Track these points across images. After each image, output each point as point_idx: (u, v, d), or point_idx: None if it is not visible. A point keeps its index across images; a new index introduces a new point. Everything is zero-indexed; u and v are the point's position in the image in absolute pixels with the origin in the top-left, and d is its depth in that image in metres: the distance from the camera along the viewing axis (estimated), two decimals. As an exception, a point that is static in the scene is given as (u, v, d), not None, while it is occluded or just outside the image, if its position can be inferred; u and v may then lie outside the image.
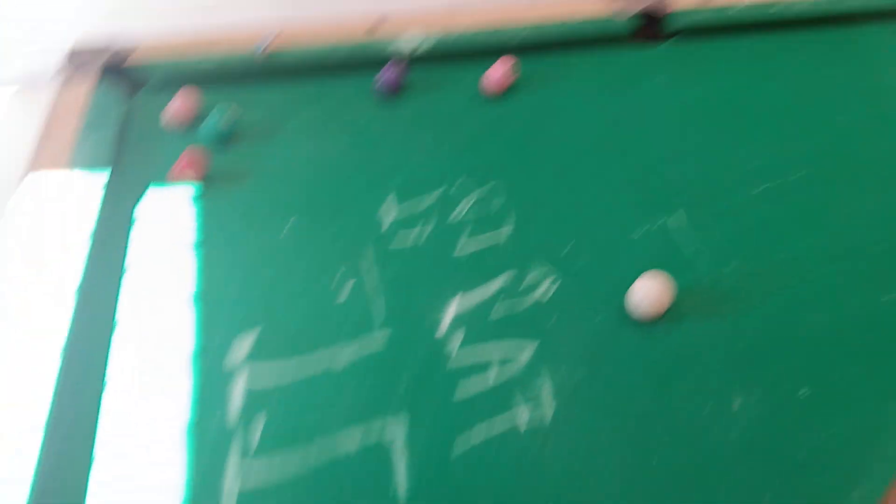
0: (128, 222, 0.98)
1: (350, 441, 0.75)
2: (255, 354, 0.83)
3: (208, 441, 0.75)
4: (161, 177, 1.03)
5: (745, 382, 0.80)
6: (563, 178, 1.05)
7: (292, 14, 2.44)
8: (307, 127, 1.13)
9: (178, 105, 1.10)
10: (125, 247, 0.95)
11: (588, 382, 0.81)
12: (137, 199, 1.01)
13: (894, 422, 0.77)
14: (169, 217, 0.99)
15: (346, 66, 1.21)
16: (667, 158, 1.08)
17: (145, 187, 1.02)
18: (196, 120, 1.11)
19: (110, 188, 1.01)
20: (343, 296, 0.89)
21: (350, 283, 0.91)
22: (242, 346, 0.84)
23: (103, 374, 0.81)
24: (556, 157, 1.08)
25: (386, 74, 1.15)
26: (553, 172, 1.06)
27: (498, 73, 1.15)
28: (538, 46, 1.23)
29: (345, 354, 0.83)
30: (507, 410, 0.78)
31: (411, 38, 1.22)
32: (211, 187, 1.03)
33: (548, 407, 0.79)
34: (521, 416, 0.78)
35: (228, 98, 1.15)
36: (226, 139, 1.08)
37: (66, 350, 0.81)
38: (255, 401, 0.79)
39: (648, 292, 0.84)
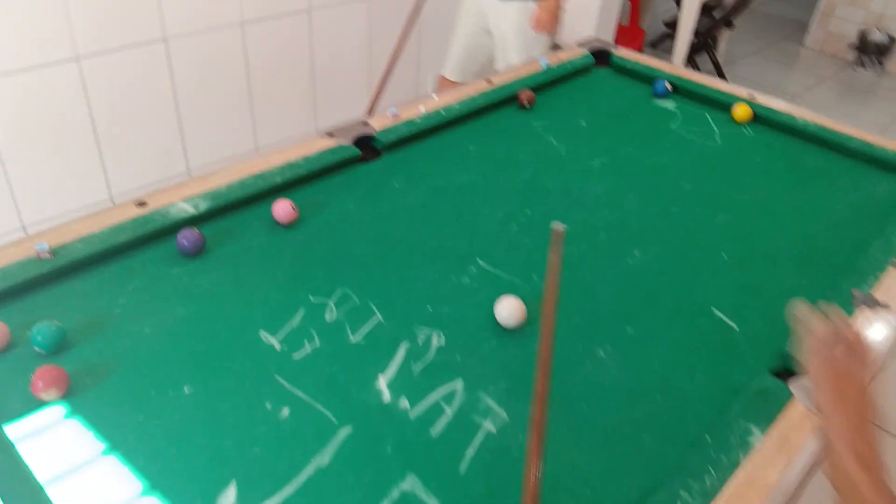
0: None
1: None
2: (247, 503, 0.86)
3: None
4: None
5: (598, 340, 1.14)
6: (383, 265, 1.27)
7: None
8: (131, 307, 1.14)
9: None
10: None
11: (512, 384, 1.04)
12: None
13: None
14: (56, 439, 0.92)
15: (137, 242, 1.24)
16: (431, 228, 1.38)
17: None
18: (11, 344, 1.04)
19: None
20: (287, 421, 0.96)
21: (284, 408, 0.98)
22: (228, 498, 0.86)
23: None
24: (367, 254, 1.30)
25: (185, 237, 1.23)
26: (373, 263, 1.27)
27: (282, 209, 1.33)
28: (299, 181, 1.44)
29: (326, 458, 0.92)
30: (475, 427, 0.97)
31: (187, 201, 1.32)
32: (81, 397, 0.98)
33: (500, 411, 1.00)
34: (488, 426, 0.97)
35: (34, 310, 1.10)
36: (57, 349, 1.04)
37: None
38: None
39: (513, 309, 1.12)
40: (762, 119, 1.87)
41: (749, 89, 1.98)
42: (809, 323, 0.92)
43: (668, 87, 1.97)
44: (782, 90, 4.53)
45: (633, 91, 2.03)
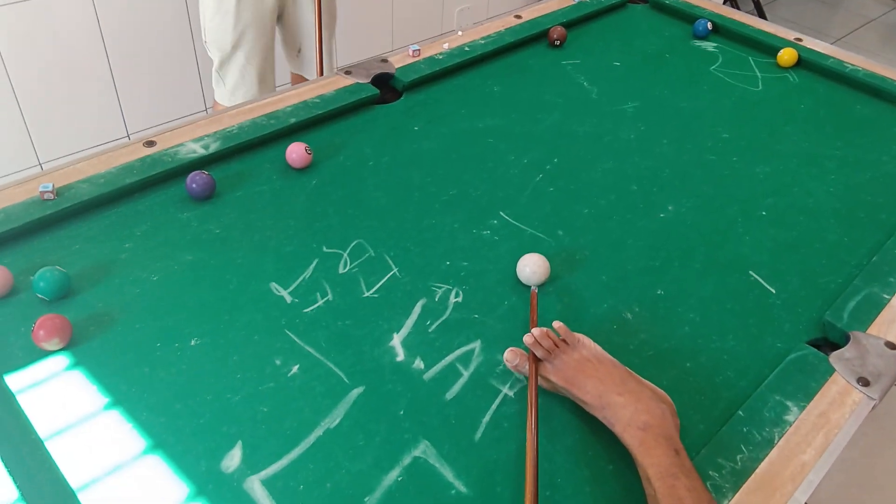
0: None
1: (393, 475, 0.82)
2: (253, 465, 0.82)
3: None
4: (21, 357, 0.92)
5: (626, 300, 1.07)
6: (400, 214, 1.21)
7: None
8: (138, 253, 1.09)
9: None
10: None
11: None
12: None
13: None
14: (58, 390, 0.89)
15: (145, 184, 1.19)
16: (452, 175, 1.31)
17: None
18: (13, 290, 1.00)
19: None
20: (297, 378, 0.92)
21: (294, 365, 0.94)
22: (233, 459, 0.83)
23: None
24: (383, 202, 1.23)
25: (194, 181, 1.17)
26: (390, 213, 1.21)
27: (296, 152, 1.26)
28: (313, 122, 1.37)
29: (336, 420, 0.88)
30: (492, 391, 0.92)
31: (197, 141, 1.26)
32: (84, 347, 0.94)
33: (520, 375, 0.94)
34: (506, 391, 0.92)
35: (38, 254, 1.06)
36: (61, 296, 1.00)
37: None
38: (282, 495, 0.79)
39: (536, 266, 1.06)
40: (808, 64, 1.75)
41: (795, 32, 1.85)
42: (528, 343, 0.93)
43: (709, 26, 1.84)
44: (825, 32, 4.30)
45: (670, 30, 1.90)
